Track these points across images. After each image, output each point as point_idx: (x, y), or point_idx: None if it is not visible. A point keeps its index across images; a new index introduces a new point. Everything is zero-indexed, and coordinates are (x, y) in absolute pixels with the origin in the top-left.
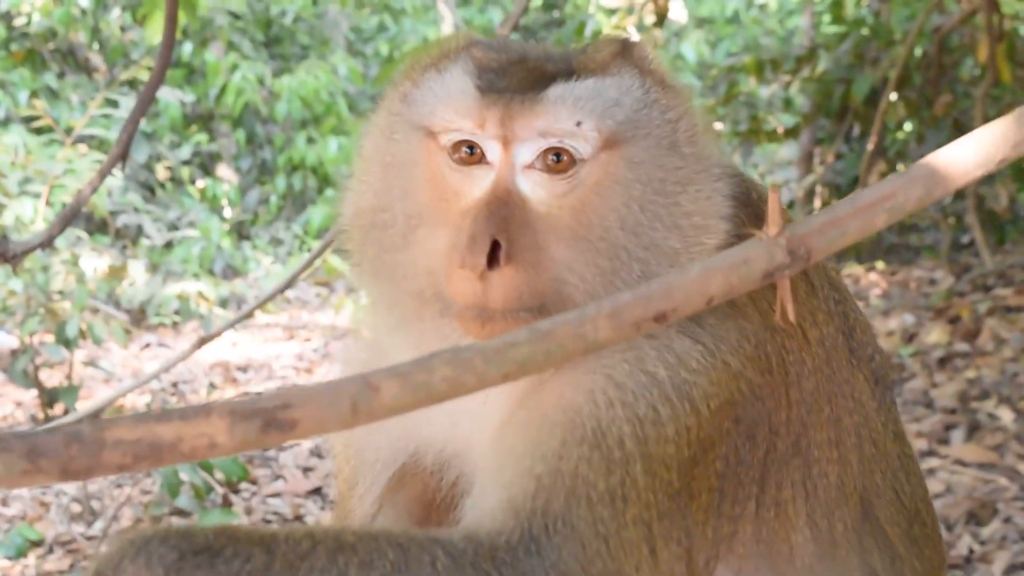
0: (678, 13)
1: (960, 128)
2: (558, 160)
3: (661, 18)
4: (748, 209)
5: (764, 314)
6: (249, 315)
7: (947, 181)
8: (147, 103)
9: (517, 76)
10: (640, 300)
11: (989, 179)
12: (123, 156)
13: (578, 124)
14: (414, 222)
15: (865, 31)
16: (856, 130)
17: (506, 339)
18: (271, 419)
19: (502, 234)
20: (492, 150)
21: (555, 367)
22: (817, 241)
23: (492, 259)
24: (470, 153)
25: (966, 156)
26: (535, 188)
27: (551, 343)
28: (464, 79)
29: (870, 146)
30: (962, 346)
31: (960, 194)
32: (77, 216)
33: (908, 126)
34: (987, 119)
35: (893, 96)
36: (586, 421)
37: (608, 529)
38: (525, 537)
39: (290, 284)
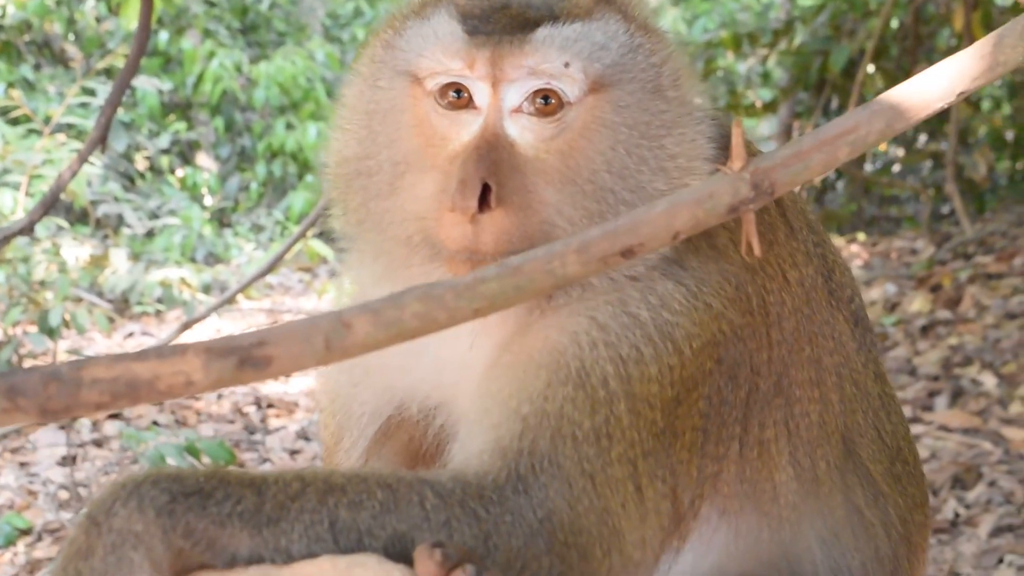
0: None
1: None
2: (546, 103)
3: None
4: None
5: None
6: (232, 299)
7: (908, 114)
8: (124, 86)
9: (503, 19)
10: (607, 235)
11: (968, 148)
12: (102, 140)
13: (566, 65)
14: (401, 168)
15: (841, 3)
16: (834, 103)
17: (476, 275)
18: (246, 356)
19: (492, 177)
20: (480, 92)
21: (525, 301)
22: (781, 174)
23: (483, 202)
24: (458, 97)
25: (926, 89)
26: (523, 131)
27: (521, 278)
28: (451, 23)
29: None
30: (944, 314)
31: (939, 164)
32: (57, 203)
33: None
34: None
35: (871, 68)
36: (570, 362)
37: (594, 467)
38: (512, 476)
39: (272, 268)
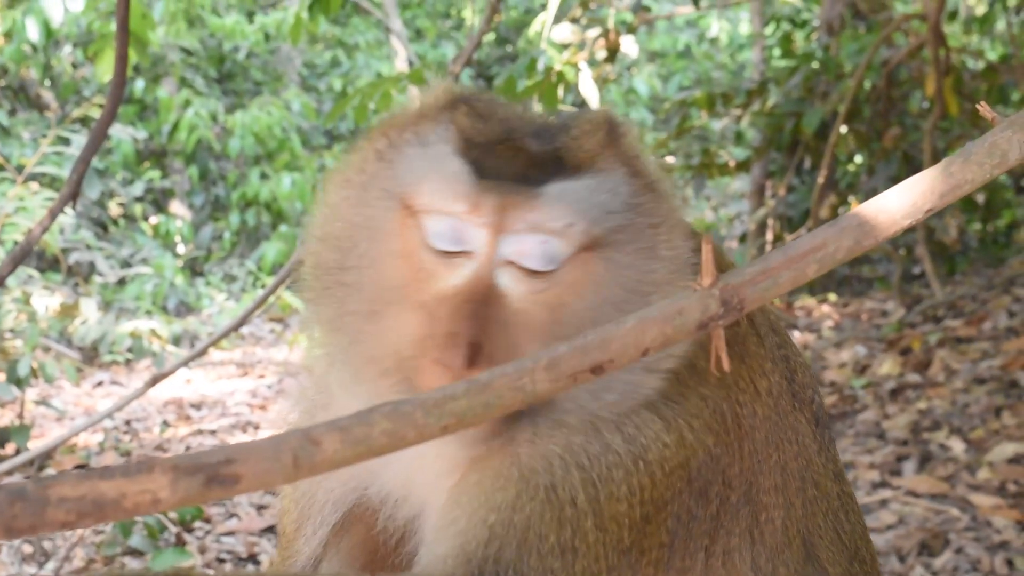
0: (629, 47)
1: (909, 160)
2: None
3: (612, 53)
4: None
5: (722, 372)
6: (202, 353)
7: (876, 231)
8: (99, 141)
9: (512, 161)
10: (577, 351)
11: (938, 212)
12: (74, 196)
13: (570, 225)
14: (383, 296)
15: (815, 65)
16: (807, 163)
17: (445, 391)
18: (214, 474)
19: (482, 335)
20: (478, 238)
21: (494, 417)
22: (750, 291)
23: (470, 360)
24: (454, 242)
25: (893, 207)
26: (513, 283)
27: (490, 395)
28: (454, 160)
29: (820, 179)
30: (914, 377)
31: (911, 226)
32: (28, 255)
33: (858, 158)
34: (935, 151)
35: (843, 129)
36: (540, 480)
37: None
38: None
39: (243, 322)
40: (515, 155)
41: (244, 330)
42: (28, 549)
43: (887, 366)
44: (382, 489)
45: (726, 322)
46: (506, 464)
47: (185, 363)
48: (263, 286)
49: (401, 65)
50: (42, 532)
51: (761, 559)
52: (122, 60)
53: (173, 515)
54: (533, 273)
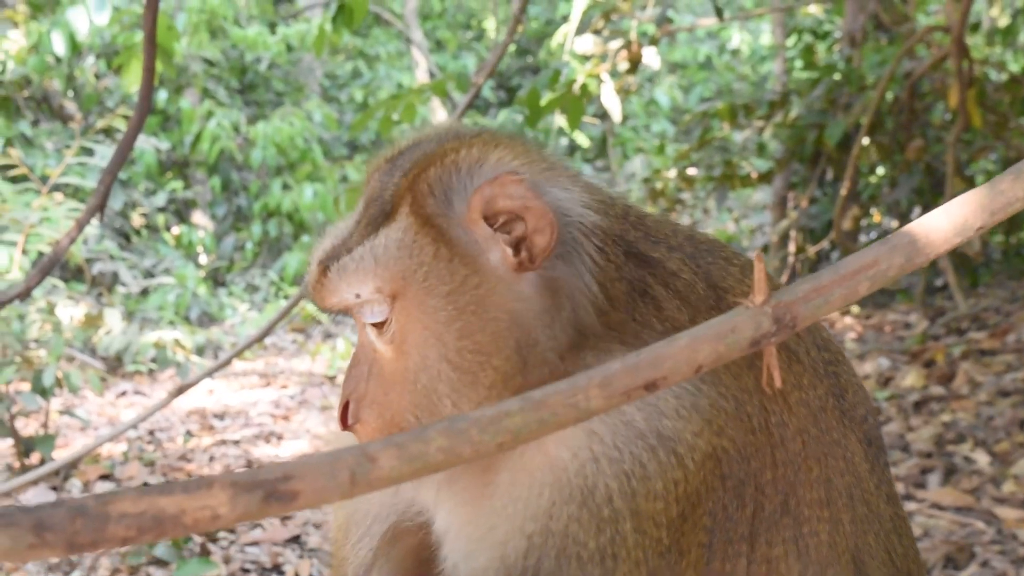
0: (652, 59)
1: (932, 172)
2: (376, 325)
3: (635, 64)
4: None
5: (737, 376)
6: (227, 363)
7: (927, 249)
8: (126, 152)
9: (321, 253)
10: (630, 370)
11: None
12: (101, 207)
13: (357, 296)
14: None
15: (837, 76)
16: (829, 175)
17: (500, 408)
18: (272, 491)
19: (352, 393)
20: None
21: (549, 434)
22: (802, 309)
23: (343, 416)
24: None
25: (944, 225)
26: (375, 339)
27: (544, 411)
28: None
29: (843, 191)
30: (937, 389)
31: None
32: (55, 266)
33: (881, 170)
34: (958, 163)
35: (865, 141)
36: (573, 479)
37: None
38: None
39: (268, 333)
40: (327, 248)
41: (266, 341)
42: (54, 559)
43: (911, 378)
44: (418, 501)
45: (778, 340)
46: (536, 460)
47: (210, 373)
48: (285, 296)
49: (422, 76)
50: (103, 548)
51: (808, 572)
52: (149, 71)
53: None
54: (377, 327)
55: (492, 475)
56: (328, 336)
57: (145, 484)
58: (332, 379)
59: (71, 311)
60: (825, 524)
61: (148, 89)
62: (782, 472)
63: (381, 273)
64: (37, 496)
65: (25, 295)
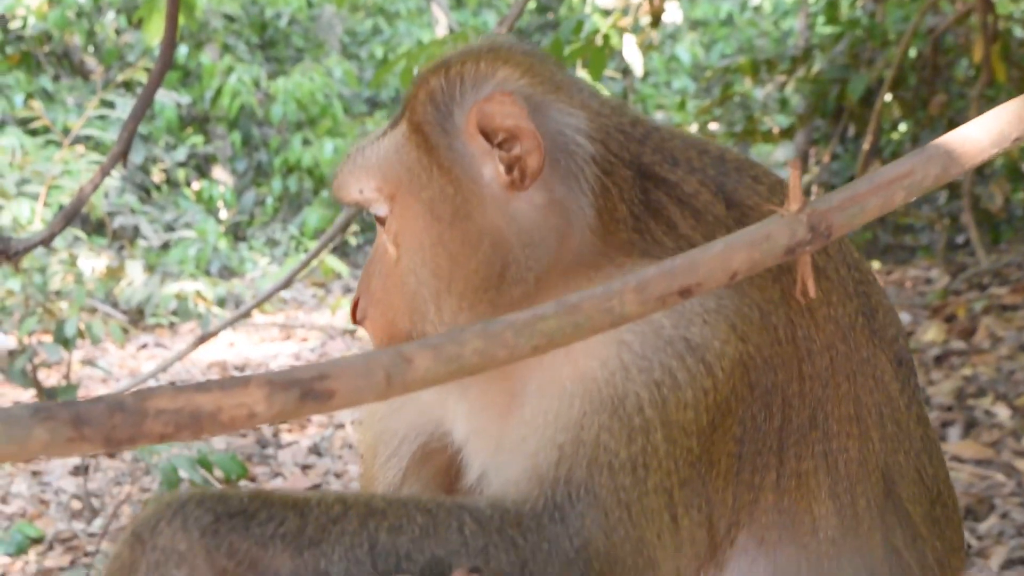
0: (673, 13)
1: (955, 128)
2: (380, 219)
3: (656, 19)
4: None
5: (762, 289)
6: (247, 314)
7: (963, 159)
8: (148, 101)
9: (350, 148)
10: (665, 275)
11: (984, 179)
12: (124, 155)
13: (360, 192)
14: None
15: (860, 32)
16: (851, 131)
17: (535, 312)
18: (308, 389)
19: (362, 291)
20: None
21: (584, 339)
22: (837, 217)
23: (353, 311)
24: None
25: (980, 135)
26: (385, 242)
27: (579, 316)
28: None
29: (866, 146)
30: (958, 344)
31: (956, 194)
32: (78, 214)
33: (903, 127)
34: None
35: (888, 97)
36: (603, 388)
37: (630, 497)
38: (549, 505)
39: (289, 283)
40: (371, 133)
41: (286, 295)
42: (76, 506)
43: (932, 333)
44: (447, 418)
45: (814, 248)
46: (565, 370)
47: (231, 323)
48: (306, 251)
49: (442, 33)
50: (140, 444)
51: (839, 487)
52: (172, 21)
53: (219, 473)
54: (383, 225)
55: (520, 388)
56: (348, 290)
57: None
58: (352, 333)
59: (93, 263)
60: (855, 441)
61: (171, 38)
62: (809, 386)
63: (378, 173)
64: None
65: (48, 241)
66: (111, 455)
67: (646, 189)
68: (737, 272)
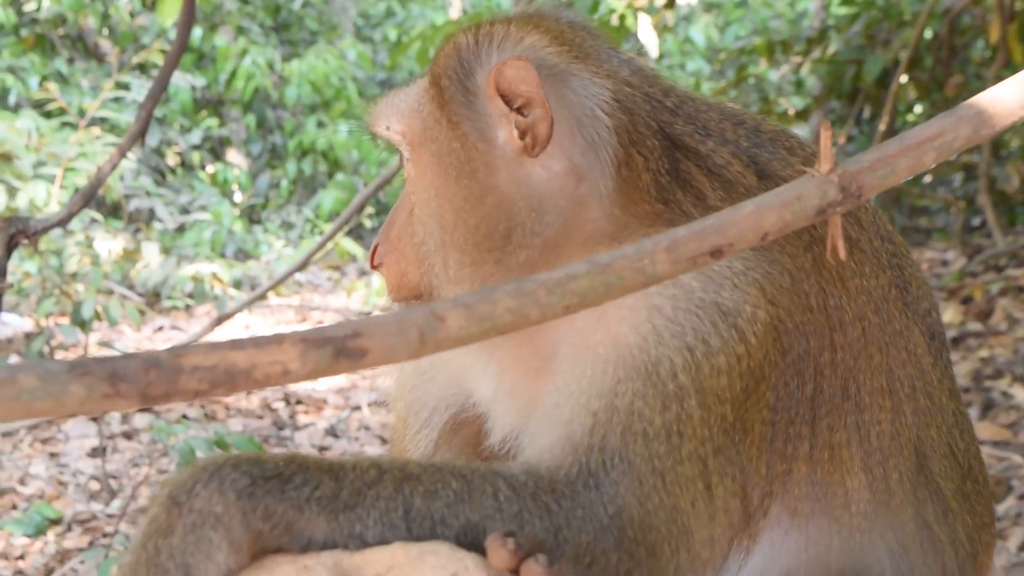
0: None
1: None
2: (402, 160)
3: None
4: None
5: (793, 256)
6: (263, 296)
7: (993, 120)
8: (166, 81)
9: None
10: (696, 235)
11: (1000, 160)
12: (142, 134)
13: (387, 128)
14: None
15: (876, 12)
16: (867, 112)
17: (567, 271)
18: (342, 347)
19: (383, 238)
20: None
21: (615, 298)
22: (868, 178)
23: (372, 256)
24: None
25: (1011, 97)
26: (406, 176)
27: (611, 275)
28: None
29: (882, 127)
30: (975, 326)
31: (972, 175)
32: (95, 196)
33: (918, 108)
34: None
35: (903, 78)
36: (636, 354)
37: (664, 465)
38: (583, 472)
39: (305, 264)
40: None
41: (302, 278)
42: (95, 487)
43: (948, 315)
44: (478, 388)
45: (844, 209)
46: (598, 336)
47: (248, 304)
48: (321, 233)
49: (455, 14)
50: (175, 400)
51: (871, 460)
52: (189, 2)
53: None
54: (405, 161)
55: (550, 351)
56: (363, 273)
57: (184, 417)
58: (368, 315)
59: (109, 245)
60: (887, 413)
61: (189, 17)
62: (841, 356)
63: (400, 118)
64: (77, 427)
65: (67, 221)
66: (128, 437)
67: (675, 159)
68: (768, 233)
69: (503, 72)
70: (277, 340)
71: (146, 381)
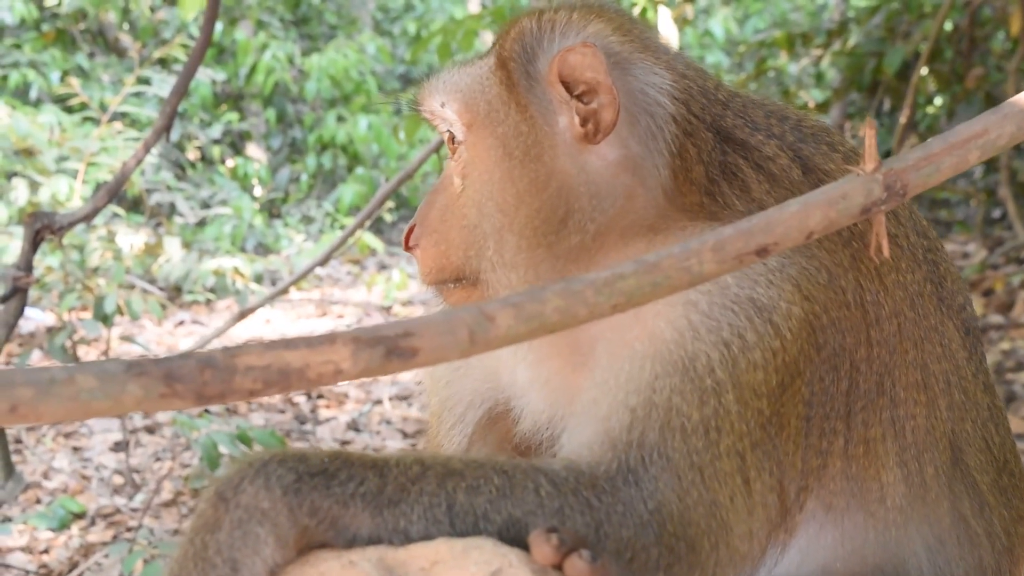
0: None
1: (992, 102)
2: (453, 141)
3: None
4: None
5: (831, 252)
6: (285, 290)
7: None
8: (191, 75)
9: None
10: (742, 234)
11: (1021, 153)
12: (167, 129)
13: (442, 105)
14: None
15: (896, 4)
16: (887, 105)
17: (614, 271)
18: (393, 347)
19: (420, 219)
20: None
21: (662, 297)
22: (913, 177)
23: (407, 238)
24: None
25: None
26: (452, 170)
27: (657, 275)
28: None
29: (903, 120)
30: (996, 318)
31: (993, 167)
32: (120, 190)
33: (938, 100)
34: (1020, 92)
35: (924, 70)
36: (673, 349)
37: (702, 460)
38: (623, 468)
39: (327, 259)
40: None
41: (322, 272)
42: (118, 481)
43: None
44: (514, 385)
45: (888, 207)
46: (634, 332)
47: (271, 299)
48: (341, 227)
49: (474, 9)
50: (230, 400)
51: (907, 455)
52: None
53: (258, 447)
54: (452, 158)
55: (587, 344)
56: (383, 267)
57: (206, 411)
58: (388, 309)
59: (131, 239)
60: (922, 408)
61: (213, 12)
62: (877, 352)
63: (461, 98)
64: (100, 421)
65: (92, 216)
66: (151, 431)
67: (724, 151)
68: (813, 231)
69: (567, 59)
70: (330, 340)
71: (202, 381)
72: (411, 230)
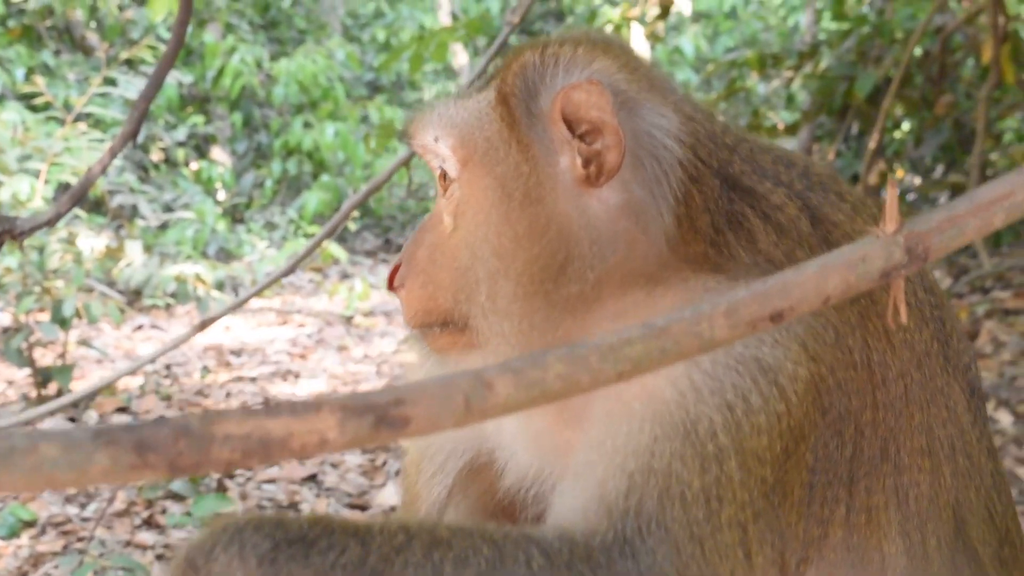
0: (683, 4)
1: (961, 129)
2: (444, 179)
3: (665, 10)
4: None
5: (839, 310)
6: (249, 299)
7: None
8: (160, 80)
9: (434, 96)
10: (756, 298)
11: (988, 181)
12: (134, 135)
13: (435, 139)
14: None
15: (867, 29)
16: (855, 128)
17: (621, 336)
18: (383, 416)
19: (406, 258)
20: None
21: (670, 364)
22: (936, 239)
23: (391, 279)
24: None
25: None
26: (443, 209)
27: (666, 340)
28: None
29: (872, 145)
30: None
31: (958, 195)
32: (85, 195)
33: (906, 126)
34: (989, 121)
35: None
36: (674, 411)
37: (703, 531)
38: (619, 539)
39: (292, 269)
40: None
41: (284, 280)
42: (71, 489)
43: None
44: (499, 438)
45: (909, 271)
46: (633, 391)
47: (233, 308)
48: (304, 235)
49: (444, 18)
50: (206, 471)
51: (909, 525)
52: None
53: None
54: (442, 196)
55: (584, 404)
56: (345, 276)
57: (162, 418)
58: (349, 319)
59: (92, 242)
60: (926, 475)
61: (186, 14)
62: (883, 415)
63: (457, 133)
64: (54, 426)
65: (54, 222)
66: None
67: (731, 199)
68: (830, 296)
69: (571, 96)
70: (315, 407)
71: (176, 451)
72: (396, 269)
